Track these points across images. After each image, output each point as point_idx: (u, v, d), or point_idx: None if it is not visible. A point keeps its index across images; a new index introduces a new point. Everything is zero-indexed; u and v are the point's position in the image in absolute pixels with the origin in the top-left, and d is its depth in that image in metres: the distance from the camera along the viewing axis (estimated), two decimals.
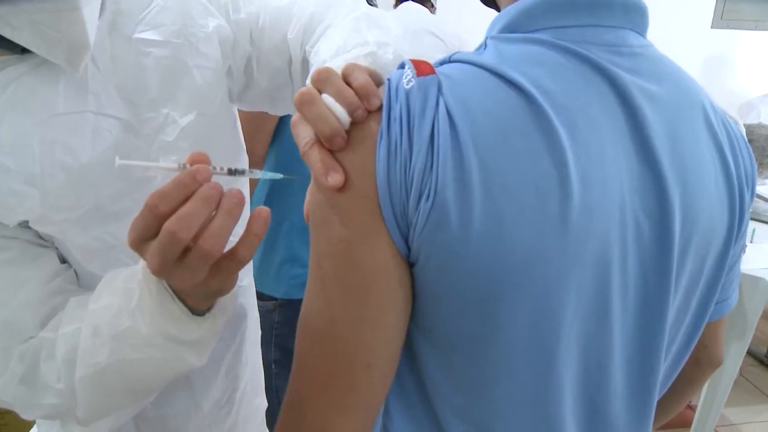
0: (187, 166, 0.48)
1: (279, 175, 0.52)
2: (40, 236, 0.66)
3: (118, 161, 0.50)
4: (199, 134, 0.70)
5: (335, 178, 0.48)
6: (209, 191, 0.47)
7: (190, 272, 0.48)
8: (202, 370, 0.79)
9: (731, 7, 3.11)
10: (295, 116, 0.51)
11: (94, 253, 0.67)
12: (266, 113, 0.90)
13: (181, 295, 0.55)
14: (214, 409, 0.85)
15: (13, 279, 0.62)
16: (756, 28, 3.16)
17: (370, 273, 0.48)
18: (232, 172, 0.51)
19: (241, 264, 0.50)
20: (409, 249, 0.49)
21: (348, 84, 0.50)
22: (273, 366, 1.25)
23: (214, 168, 0.49)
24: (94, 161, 0.63)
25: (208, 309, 0.58)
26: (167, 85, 0.68)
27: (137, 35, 0.66)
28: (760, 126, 2.45)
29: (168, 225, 0.46)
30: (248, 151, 1.07)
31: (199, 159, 0.49)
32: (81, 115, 0.62)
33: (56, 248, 0.67)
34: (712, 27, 3.16)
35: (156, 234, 0.47)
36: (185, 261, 0.48)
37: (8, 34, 0.54)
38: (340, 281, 0.49)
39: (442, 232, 0.47)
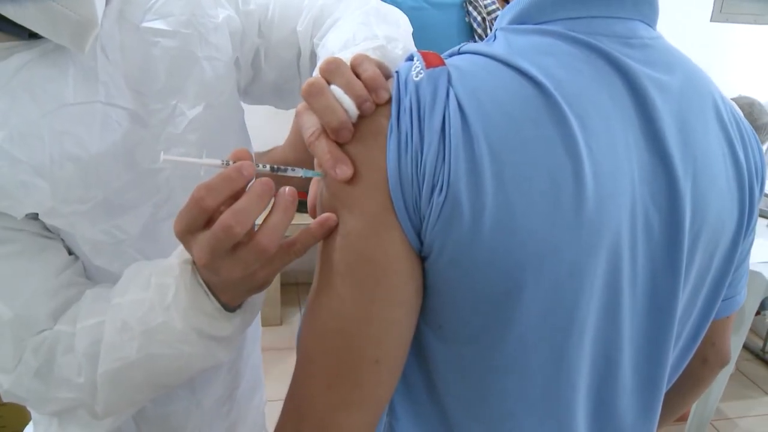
0: (231, 162, 0.49)
1: (321, 174, 0.52)
2: (46, 228, 0.65)
3: (163, 156, 0.49)
4: (208, 126, 0.70)
5: (344, 171, 0.47)
6: (263, 188, 0.47)
7: (241, 265, 0.49)
8: None
9: (730, 1, 3.11)
10: (301, 105, 0.51)
11: (101, 247, 0.66)
12: None
13: (214, 292, 0.55)
14: (214, 406, 0.85)
15: (22, 271, 0.62)
16: (755, 22, 3.16)
17: (381, 267, 0.48)
18: (274, 170, 0.51)
19: (295, 257, 0.52)
20: (421, 243, 0.48)
21: (357, 75, 0.49)
22: None
23: (257, 165, 0.49)
24: (103, 153, 0.62)
25: (238, 306, 0.58)
26: (175, 75, 0.67)
27: (145, 24, 0.65)
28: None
29: (224, 218, 0.46)
30: None
31: (243, 156, 0.49)
32: (90, 106, 0.61)
33: (62, 240, 0.67)
34: (711, 20, 3.16)
35: (202, 226, 0.48)
36: (236, 254, 0.48)
37: (11, 14, 0.52)
38: (351, 275, 0.48)
39: (455, 225, 0.46)
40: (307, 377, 0.51)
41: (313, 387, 0.50)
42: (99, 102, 0.61)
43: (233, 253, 0.48)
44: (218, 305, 0.55)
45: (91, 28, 0.56)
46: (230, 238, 0.46)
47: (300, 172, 0.51)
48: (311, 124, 0.49)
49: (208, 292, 0.55)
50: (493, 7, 1.16)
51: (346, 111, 0.47)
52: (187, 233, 0.49)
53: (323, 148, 0.48)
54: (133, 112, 0.64)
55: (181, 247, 0.56)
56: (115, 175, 0.64)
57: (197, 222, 0.48)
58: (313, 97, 0.48)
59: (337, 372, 0.49)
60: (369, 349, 0.49)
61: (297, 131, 1.14)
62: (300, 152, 1.14)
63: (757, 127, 2.42)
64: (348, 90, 0.48)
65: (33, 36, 0.57)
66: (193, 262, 0.55)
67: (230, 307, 0.57)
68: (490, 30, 1.13)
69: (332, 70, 0.49)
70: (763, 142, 2.42)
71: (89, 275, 0.69)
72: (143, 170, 0.66)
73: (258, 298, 0.60)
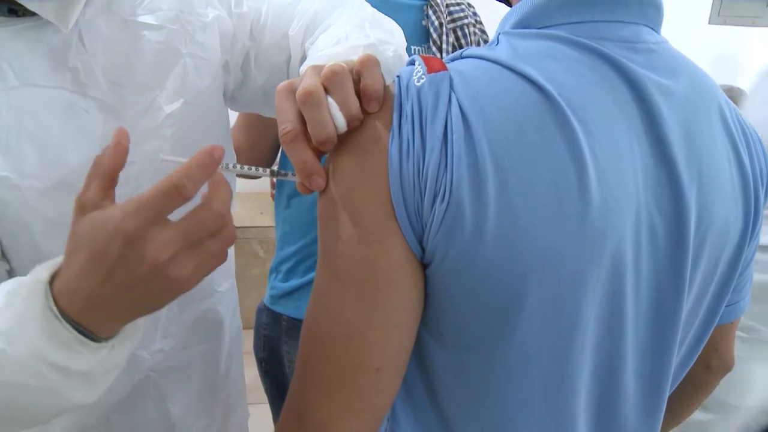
0: (230, 166, 0.49)
1: None
2: None
3: (162, 156, 0.48)
4: (185, 123, 0.69)
5: (319, 183, 0.49)
6: (221, 177, 0.48)
7: (197, 258, 0.47)
8: (167, 374, 0.76)
9: (728, 4, 3.11)
10: (283, 88, 0.49)
11: (57, 230, 0.61)
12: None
13: (91, 313, 0.48)
14: (189, 420, 0.82)
15: None
16: (753, 25, 3.17)
17: (383, 273, 0.47)
18: (273, 173, 0.51)
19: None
20: (423, 250, 0.48)
21: (360, 76, 0.49)
22: (262, 363, 1.24)
23: (257, 169, 0.50)
24: (65, 137, 0.61)
25: (106, 339, 0.50)
26: (157, 70, 0.66)
27: (132, 18, 0.65)
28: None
29: (218, 208, 0.46)
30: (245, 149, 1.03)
31: (218, 152, 0.48)
32: (54, 91, 0.60)
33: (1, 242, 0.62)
34: (709, 23, 3.16)
35: (165, 218, 0.45)
36: (202, 247, 0.47)
37: None
38: (351, 281, 0.48)
39: (458, 232, 0.45)
40: (307, 384, 0.50)
41: (312, 394, 0.50)
42: (65, 89, 0.61)
43: (197, 247, 0.47)
44: (75, 332, 0.48)
45: (76, 2, 0.55)
46: (205, 230, 0.46)
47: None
48: (289, 118, 0.48)
49: (61, 317, 0.47)
50: (461, 14, 1.14)
51: (335, 126, 0.47)
52: (151, 226, 0.44)
53: (299, 157, 0.48)
54: (105, 103, 0.64)
55: (39, 266, 0.49)
56: (78, 160, 0.62)
57: (166, 213, 0.45)
58: (309, 106, 0.47)
59: (337, 379, 0.49)
60: (369, 356, 0.48)
61: (249, 118, 1.12)
62: (253, 137, 1.13)
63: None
64: (344, 107, 0.47)
65: (12, 13, 0.56)
66: (49, 282, 0.48)
67: (95, 336, 0.49)
68: (448, 37, 1.11)
69: (336, 82, 0.48)
70: None
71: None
72: None
73: (135, 331, 0.53)
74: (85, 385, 0.51)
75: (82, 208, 0.47)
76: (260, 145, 1.13)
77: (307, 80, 0.48)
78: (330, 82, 0.48)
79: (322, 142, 0.47)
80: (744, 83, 2.97)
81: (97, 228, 0.45)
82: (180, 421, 0.80)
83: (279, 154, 1.20)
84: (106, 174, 0.47)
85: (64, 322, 0.47)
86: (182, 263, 0.46)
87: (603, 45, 0.49)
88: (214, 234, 0.47)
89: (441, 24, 1.10)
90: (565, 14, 0.50)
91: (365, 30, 0.66)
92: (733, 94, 2.51)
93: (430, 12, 1.10)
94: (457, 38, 1.12)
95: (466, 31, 1.13)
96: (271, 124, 1.11)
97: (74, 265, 0.46)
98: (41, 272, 0.48)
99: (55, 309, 0.47)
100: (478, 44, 1.16)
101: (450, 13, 1.11)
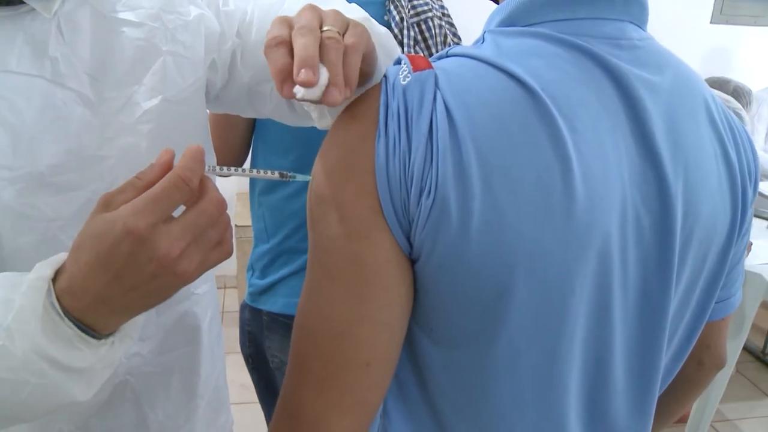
0: (218, 168, 0.50)
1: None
2: None
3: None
4: (162, 120, 0.68)
5: (288, 90, 0.45)
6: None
7: (202, 250, 0.48)
8: (145, 378, 0.75)
9: (730, 3, 3.11)
10: (280, 17, 0.49)
11: (27, 223, 0.62)
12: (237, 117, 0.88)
13: (102, 310, 0.48)
14: (168, 425, 0.80)
15: None
16: (755, 24, 3.16)
17: (371, 270, 0.48)
18: (283, 176, 0.52)
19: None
20: (410, 246, 0.48)
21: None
22: (249, 360, 1.24)
23: (266, 171, 0.51)
24: (40, 127, 0.61)
25: (106, 336, 0.51)
26: (135, 66, 0.66)
27: (112, 15, 0.65)
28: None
29: (218, 195, 0.47)
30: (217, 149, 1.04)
31: (199, 150, 0.49)
32: (33, 79, 0.60)
33: None
34: (711, 22, 3.16)
35: (171, 214, 0.46)
36: (204, 239, 0.47)
37: None
38: (340, 278, 0.48)
39: (444, 228, 0.46)
40: (300, 381, 0.51)
41: (304, 390, 0.50)
42: (44, 78, 0.61)
43: (200, 239, 0.47)
44: (76, 329, 0.48)
45: None
46: (209, 219, 0.47)
47: (300, 178, 0.52)
48: (279, 32, 0.47)
49: (62, 314, 0.48)
50: (425, 8, 1.13)
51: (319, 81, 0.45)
52: (159, 224, 0.45)
53: (278, 59, 0.45)
54: (84, 96, 0.63)
55: (42, 262, 0.49)
56: (51, 152, 0.62)
57: (175, 208, 0.46)
58: (302, 34, 0.45)
59: (328, 375, 0.49)
60: (359, 352, 0.49)
61: (217, 118, 1.13)
62: (221, 136, 1.13)
63: (738, 95, 2.50)
64: (330, 72, 0.45)
65: None
66: (53, 280, 0.48)
67: (99, 334, 0.50)
68: (409, 31, 1.10)
69: (332, 53, 0.46)
70: (746, 106, 2.49)
71: (7, 265, 0.62)
72: (87, 155, 0.64)
73: (133, 329, 0.54)
74: (83, 382, 0.51)
75: (106, 206, 0.47)
76: (230, 145, 1.14)
77: (306, 20, 0.47)
78: (325, 46, 0.46)
79: (302, 58, 0.44)
80: (744, 80, 2.97)
81: (105, 227, 0.45)
82: (160, 427, 0.79)
83: (250, 154, 1.20)
84: (144, 190, 0.47)
85: (66, 319, 0.48)
86: (189, 258, 0.47)
87: (586, 41, 0.49)
88: (215, 222, 0.48)
89: (402, 19, 1.09)
90: (549, 12, 0.50)
91: (353, 14, 0.65)
92: (726, 85, 2.51)
93: (392, 7, 1.09)
94: (421, 32, 1.11)
95: (430, 24, 1.12)
96: (238, 124, 1.12)
97: (80, 263, 0.47)
98: (44, 268, 0.48)
99: (57, 306, 0.48)
100: (445, 38, 1.14)
101: (413, 7, 1.10)
